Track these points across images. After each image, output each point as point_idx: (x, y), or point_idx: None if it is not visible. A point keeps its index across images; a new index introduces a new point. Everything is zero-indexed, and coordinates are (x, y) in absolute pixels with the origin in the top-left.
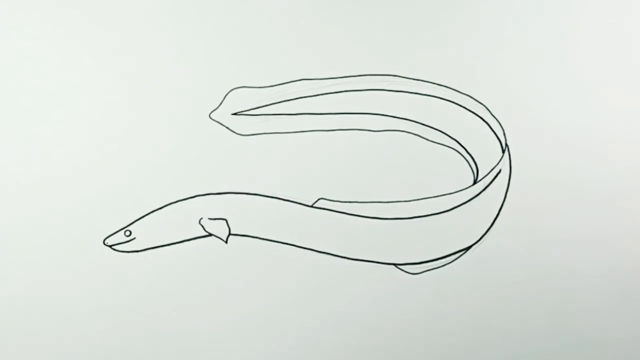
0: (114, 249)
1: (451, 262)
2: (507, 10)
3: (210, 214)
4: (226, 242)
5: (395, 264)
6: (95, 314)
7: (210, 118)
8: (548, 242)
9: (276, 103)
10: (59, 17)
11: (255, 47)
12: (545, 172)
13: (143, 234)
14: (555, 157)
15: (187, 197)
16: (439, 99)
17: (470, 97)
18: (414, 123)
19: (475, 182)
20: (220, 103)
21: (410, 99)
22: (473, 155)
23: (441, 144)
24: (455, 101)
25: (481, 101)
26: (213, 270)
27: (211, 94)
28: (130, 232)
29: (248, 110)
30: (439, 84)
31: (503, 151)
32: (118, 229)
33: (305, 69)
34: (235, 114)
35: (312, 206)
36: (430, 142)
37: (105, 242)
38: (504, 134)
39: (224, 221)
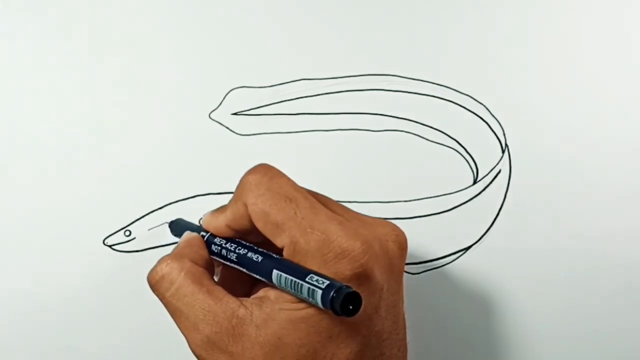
0: (114, 249)
1: (451, 262)
2: (507, 10)
3: None
4: None
5: None
6: (95, 314)
7: (210, 118)
8: (548, 242)
9: (276, 103)
10: (59, 17)
11: (255, 47)
12: (545, 172)
13: (143, 234)
14: (556, 157)
15: (187, 197)
16: (439, 99)
17: (470, 97)
18: (414, 123)
19: (475, 182)
20: (220, 103)
21: (410, 99)
22: (473, 155)
23: (441, 144)
24: (455, 101)
25: (481, 101)
26: None
27: (211, 94)
28: (130, 232)
29: (248, 110)
30: (439, 84)
31: (503, 151)
32: (118, 229)
33: (305, 69)
34: (235, 114)
35: None
36: (430, 142)
37: (105, 242)
38: (504, 134)
39: None
